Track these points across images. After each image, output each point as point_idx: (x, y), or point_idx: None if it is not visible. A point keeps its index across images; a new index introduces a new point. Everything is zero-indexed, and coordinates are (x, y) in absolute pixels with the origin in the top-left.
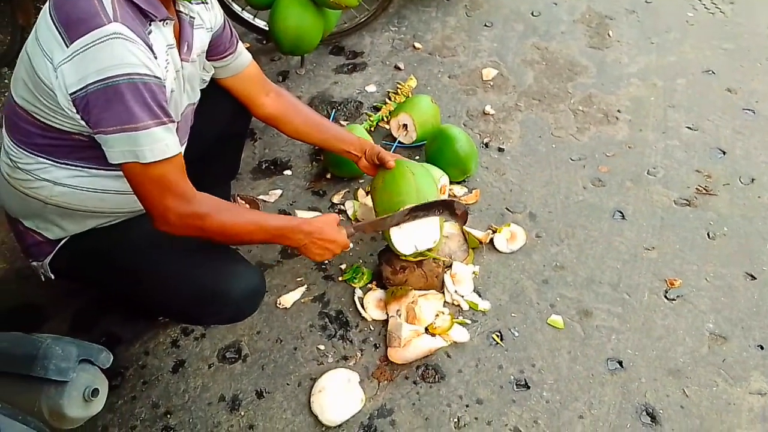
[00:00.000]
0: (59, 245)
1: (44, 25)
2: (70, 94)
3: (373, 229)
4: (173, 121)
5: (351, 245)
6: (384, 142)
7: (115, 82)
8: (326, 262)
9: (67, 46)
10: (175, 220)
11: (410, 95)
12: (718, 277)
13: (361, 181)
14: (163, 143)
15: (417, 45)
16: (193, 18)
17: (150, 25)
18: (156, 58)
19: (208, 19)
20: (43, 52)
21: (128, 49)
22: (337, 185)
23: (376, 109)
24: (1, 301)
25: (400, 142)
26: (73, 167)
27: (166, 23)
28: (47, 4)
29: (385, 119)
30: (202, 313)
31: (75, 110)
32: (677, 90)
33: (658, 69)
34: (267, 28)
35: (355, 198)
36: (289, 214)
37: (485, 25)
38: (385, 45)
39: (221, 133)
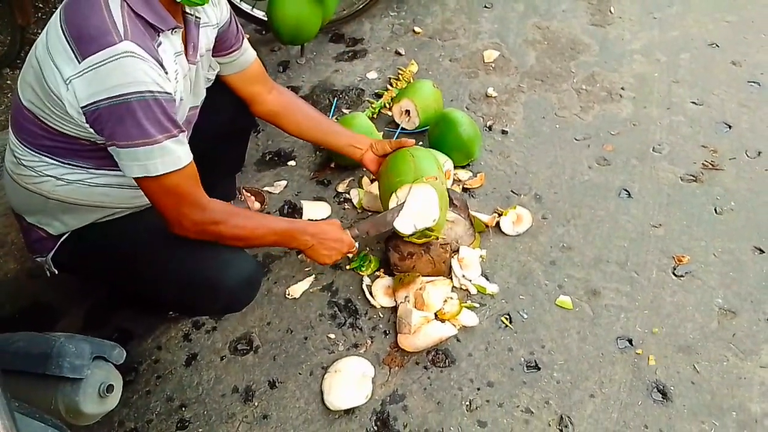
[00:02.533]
0: (61, 240)
1: (55, 35)
2: (82, 108)
3: (376, 229)
4: (183, 131)
5: (357, 245)
6: (387, 129)
7: (126, 99)
8: None
9: (79, 62)
10: (191, 226)
11: (412, 80)
12: (726, 252)
13: (365, 169)
14: (174, 155)
15: (417, 29)
16: (199, 18)
17: (159, 36)
18: (166, 73)
19: (214, 15)
20: (53, 63)
21: (139, 67)
22: (341, 174)
23: (378, 96)
24: (14, 301)
25: (403, 129)
26: (77, 167)
27: (174, 32)
28: (58, 14)
29: (388, 106)
30: (197, 302)
31: (85, 120)
32: (681, 65)
33: (661, 44)
34: (266, 19)
35: (360, 186)
36: (295, 205)
37: (485, 7)
38: (384, 30)
39: (225, 129)
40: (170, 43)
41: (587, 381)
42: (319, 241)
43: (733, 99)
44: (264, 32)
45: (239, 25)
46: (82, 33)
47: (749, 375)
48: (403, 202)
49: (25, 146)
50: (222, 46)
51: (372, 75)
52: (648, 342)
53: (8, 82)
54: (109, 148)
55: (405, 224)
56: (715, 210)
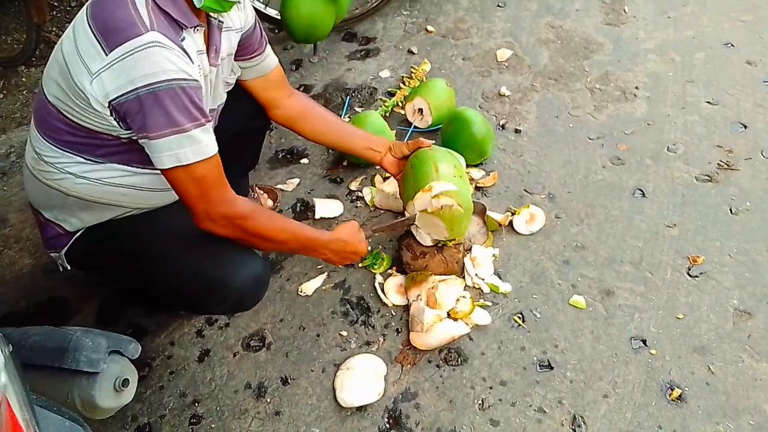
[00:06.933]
0: (75, 236)
1: (81, 30)
2: (111, 101)
3: (391, 230)
4: (210, 120)
5: (369, 248)
6: (399, 127)
7: (155, 89)
8: None
9: (106, 54)
10: (218, 218)
11: (424, 79)
12: (741, 252)
13: (377, 167)
14: (202, 144)
15: (429, 28)
16: (222, 21)
17: (182, 32)
18: (192, 62)
19: (238, 19)
20: (80, 58)
21: (165, 56)
22: (354, 172)
23: (391, 94)
24: (29, 296)
25: (415, 127)
26: (99, 163)
27: (197, 30)
28: (84, 10)
29: (400, 104)
30: (206, 301)
31: (110, 114)
32: (696, 64)
33: (675, 44)
34: (279, 17)
35: (372, 184)
36: (308, 203)
37: (498, 6)
38: (397, 29)
39: (242, 129)
40: (193, 41)
41: (601, 381)
42: (335, 254)
43: (749, 99)
44: (277, 31)
45: (263, 31)
46: (108, 26)
47: (765, 377)
48: (415, 215)
49: (47, 142)
50: (245, 51)
51: (385, 74)
52: (662, 342)
53: (23, 79)
54: (140, 141)
55: (421, 238)
56: (731, 210)
